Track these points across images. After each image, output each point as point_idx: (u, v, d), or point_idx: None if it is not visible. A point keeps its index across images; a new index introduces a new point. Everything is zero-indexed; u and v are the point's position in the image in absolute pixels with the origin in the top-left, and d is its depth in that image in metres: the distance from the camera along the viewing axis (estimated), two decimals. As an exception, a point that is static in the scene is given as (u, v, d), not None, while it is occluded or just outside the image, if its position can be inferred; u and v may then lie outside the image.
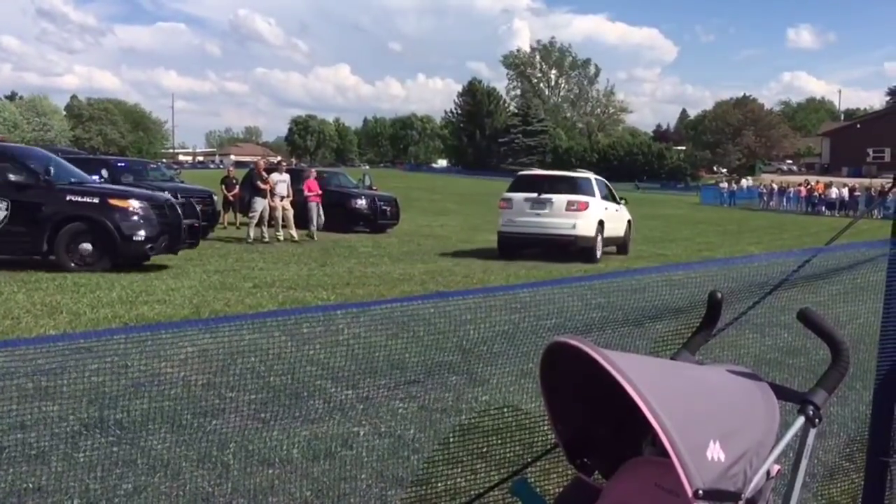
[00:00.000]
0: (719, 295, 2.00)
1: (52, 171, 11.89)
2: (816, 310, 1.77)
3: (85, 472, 3.25)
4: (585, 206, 15.65)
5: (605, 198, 16.82)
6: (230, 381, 3.58)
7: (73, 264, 11.10)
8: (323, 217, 19.36)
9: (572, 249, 15.46)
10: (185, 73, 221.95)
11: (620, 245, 17.88)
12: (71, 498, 3.06)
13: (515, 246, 15.97)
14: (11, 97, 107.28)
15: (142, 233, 11.45)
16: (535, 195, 15.86)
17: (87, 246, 11.29)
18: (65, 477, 3.14)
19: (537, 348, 1.75)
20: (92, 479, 3.17)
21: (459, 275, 12.23)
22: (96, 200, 11.48)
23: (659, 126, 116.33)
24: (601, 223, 15.95)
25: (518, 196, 16.07)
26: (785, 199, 48.85)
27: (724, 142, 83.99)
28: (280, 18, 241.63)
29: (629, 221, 18.42)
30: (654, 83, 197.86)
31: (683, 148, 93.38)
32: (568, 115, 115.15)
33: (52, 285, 9.54)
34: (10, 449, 3.12)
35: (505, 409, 3.19)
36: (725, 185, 56.46)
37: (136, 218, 11.54)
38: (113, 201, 11.57)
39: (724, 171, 77.50)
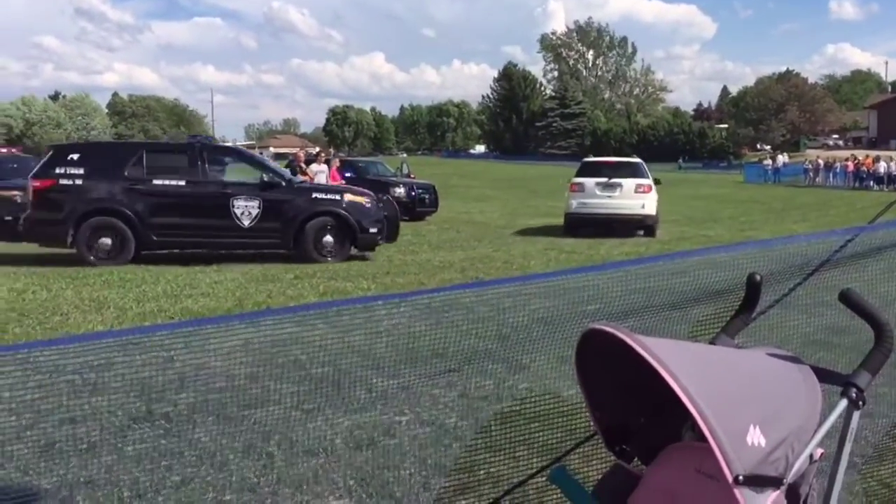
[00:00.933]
0: (758, 277, 1.97)
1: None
2: (858, 290, 1.73)
3: (133, 464, 3.32)
4: (650, 188, 17.43)
5: None
6: (273, 372, 3.62)
7: (318, 256, 12.11)
8: None
9: (640, 227, 17.29)
10: (222, 68, 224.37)
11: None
12: (120, 490, 3.12)
13: (583, 226, 17.35)
14: (55, 97, 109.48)
15: (375, 225, 12.55)
16: (605, 179, 17.52)
17: (330, 239, 12.30)
18: (114, 469, 3.21)
19: (576, 334, 1.74)
20: (140, 471, 3.24)
21: (499, 261, 12.21)
22: (337, 197, 12.55)
23: (700, 104, 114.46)
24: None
25: (590, 181, 17.57)
26: (831, 175, 47.76)
27: (767, 118, 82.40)
28: (313, 9, 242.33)
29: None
30: (692, 60, 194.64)
31: (725, 126, 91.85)
32: (606, 96, 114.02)
33: (98, 281, 9.74)
34: (62, 443, 3.20)
35: (546, 396, 3.18)
36: (769, 161, 55.40)
37: (369, 212, 12.62)
38: (351, 197, 12.63)
39: (768, 147, 76.09)
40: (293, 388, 3.69)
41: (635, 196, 17.26)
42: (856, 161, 46.61)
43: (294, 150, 26.72)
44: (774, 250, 3.36)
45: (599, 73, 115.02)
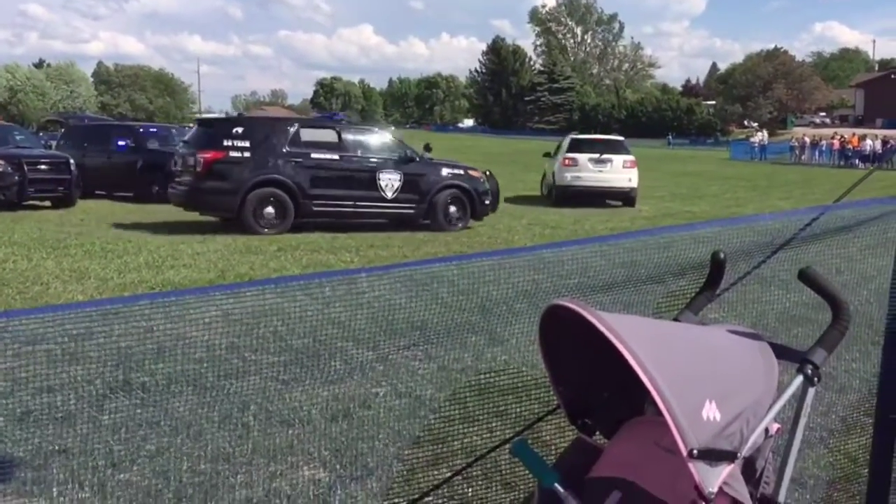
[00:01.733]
0: (722, 255, 1.98)
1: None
2: (816, 269, 1.74)
3: (110, 433, 3.32)
4: (634, 164, 19.19)
5: None
6: (253, 343, 3.62)
7: (446, 225, 13.26)
8: None
9: (625, 199, 18.98)
10: (208, 38, 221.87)
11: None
12: (95, 459, 3.12)
13: (574, 197, 18.74)
14: (39, 64, 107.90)
15: (488, 196, 13.96)
16: (597, 155, 19.21)
17: (454, 209, 13.48)
18: (90, 439, 3.20)
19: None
20: (116, 440, 3.24)
21: (485, 235, 12.22)
22: (461, 172, 13.87)
23: (688, 81, 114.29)
24: None
25: (583, 156, 19.16)
26: (817, 153, 47.94)
27: (754, 95, 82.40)
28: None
29: None
30: (681, 37, 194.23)
31: (713, 103, 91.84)
32: (595, 71, 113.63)
33: (80, 251, 9.67)
34: (38, 412, 3.19)
35: (523, 368, 3.20)
36: (758, 136, 55.46)
37: (483, 185, 13.93)
38: (472, 173, 14.01)
39: (755, 125, 76.16)
40: (272, 358, 3.69)
41: (623, 171, 18.98)
42: (841, 139, 46.79)
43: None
44: (758, 226, 3.37)
45: (588, 48, 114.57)
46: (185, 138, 13.90)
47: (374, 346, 3.87)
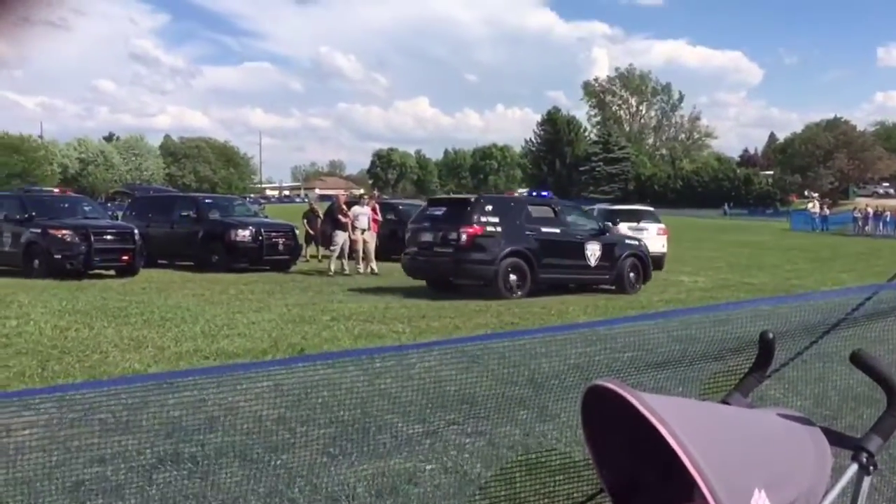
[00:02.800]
0: (771, 335, 1.92)
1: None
2: (869, 352, 1.68)
3: (157, 506, 3.32)
4: (666, 231, 21.21)
5: None
6: (302, 415, 3.61)
7: (629, 288, 14.90)
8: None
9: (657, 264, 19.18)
10: (270, 111, 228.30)
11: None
12: (141, 532, 3.11)
13: None
14: (109, 138, 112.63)
15: (651, 263, 16.02)
16: (636, 223, 20.74)
17: (632, 274, 15.26)
18: (137, 511, 3.21)
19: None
20: (162, 513, 3.24)
21: (537, 306, 12.12)
22: (636, 242, 16.04)
23: (746, 150, 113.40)
24: None
25: (623, 225, 20.20)
26: (881, 224, 46.78)
27: (814, 165, 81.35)
28: (359, 54, 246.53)
29: None
30: (738, 107, 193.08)
31: (771, 172, 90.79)
32: (650, 141, 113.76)
33: (139, 320, 9.89)
34: (89, 482, 3.22)
35: (574, 446, 3.12)
36: (814, 206, 54.47)
37: (648, 253, 15.97)
38: (644, 243, 16.30)
39: (816, 195, 75.00)
40: (320, 431, 3.68)
41: (657, 237, 20.40)
42: (906, 210, 45.66)
43: (336, 192, 27.04)
44: (816, 304, 3.29)
45: (643, 118, 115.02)
46: (423, 215, 15.23)
47: (423, 419, 3.83)
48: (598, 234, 14.96)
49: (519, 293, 13.38)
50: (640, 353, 4.05)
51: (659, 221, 21.55)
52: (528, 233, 13.99)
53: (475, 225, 13.53)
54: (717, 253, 25.68)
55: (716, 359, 3.32)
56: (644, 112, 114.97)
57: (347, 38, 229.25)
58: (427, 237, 14.04)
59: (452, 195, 17.17)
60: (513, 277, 13.57)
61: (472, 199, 14.79)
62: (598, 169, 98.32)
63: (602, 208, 22.31)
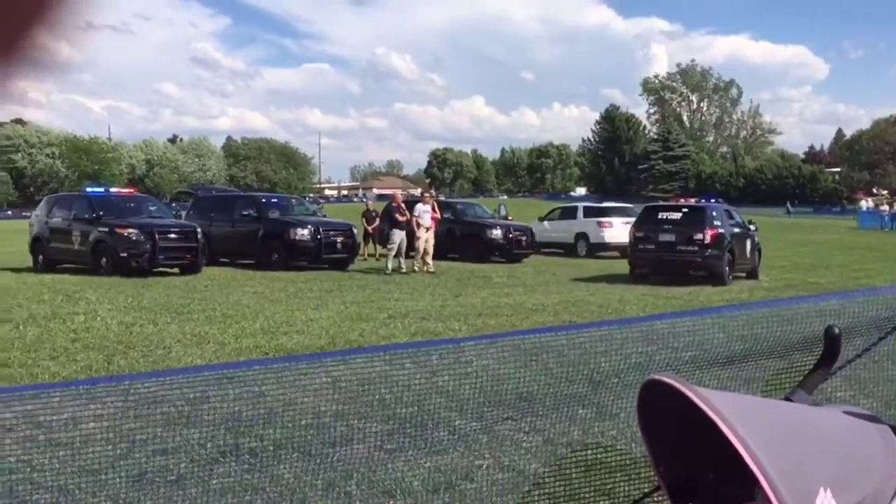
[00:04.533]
0: (836, 330, 1.85)
1: None
2: None
3: (217, 497, 3.37)
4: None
5: None
6: (359, 410, 3.63)
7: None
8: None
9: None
10: (328, 112, 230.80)
11: None
12: (202, 523, 3.16)
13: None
14: (173, 140, 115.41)
15: None
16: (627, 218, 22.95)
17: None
18: (198, 502, 3.26)
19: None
20: (223, 504, 3.28)
21: (594, 304, 12.00)
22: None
23: (811, 147, 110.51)
24: None
25: (616, 219, 23.89)
26: (955, 222, 45.07)
27: (883, 162, 78.81)
28: (415, 54, 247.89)
29: None
30: (802, 103, 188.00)
31: (838, 170, 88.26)
32: (711, 138, 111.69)
33: (202, 317, 10.09)
34: (152, 473, 3.29)
35: (633, 445, 3.07)
36: (886, 207, 52.75)
37: None
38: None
39: (885, 192, 72.52)
40: (378, 427, 3.69)
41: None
42: (983, 207, 43.87)
43: (393, 192, 27.28)
44: (887, 298, 3.17)
45: (704, 115, 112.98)
46: (652, 218, 17.53)
47: (480, 416, 3.81)
48: (748, 231, 17.85)
49: (731, 280, 16.24)
50: (701, 352, 3.97)
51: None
52: (731, 232, 16.82)
53: (713, 227, 16.37)
54: (781, 252, 25.05)
55: (780, 356, 3.24)
56: (705, 109, 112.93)
57: (403, 39, 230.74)
58: (668, 237, 16.64)
59: (679, 203, 19.50)
60: (727, 269, 16.22)
61: (704, 207, 17.59)
62: (657, 167, 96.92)
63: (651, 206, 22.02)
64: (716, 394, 1.41)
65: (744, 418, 1.37)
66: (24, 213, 53.74)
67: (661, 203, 19.40)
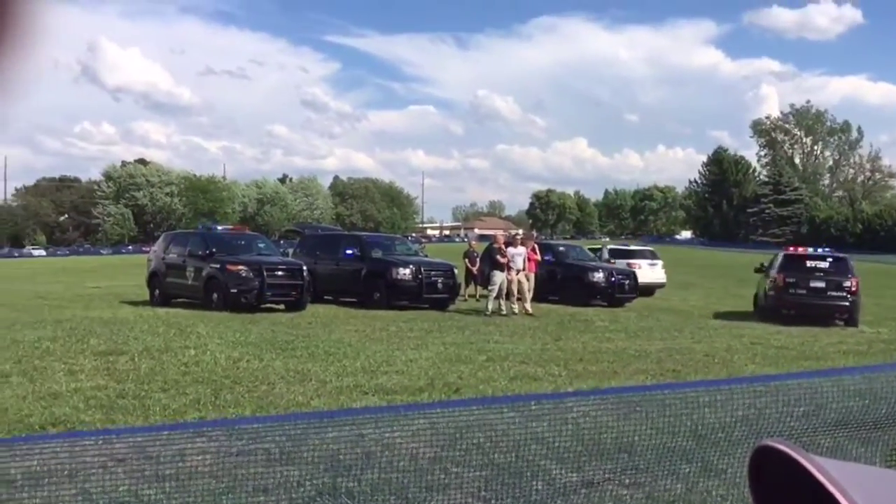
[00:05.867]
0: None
1: None
2: None
3: (313, 538, 3.40)
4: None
5: None
6: (456, 455, 3.61)
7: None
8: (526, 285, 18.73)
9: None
10: (431, 152, 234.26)
11: None
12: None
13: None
14: (283, 179, 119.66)
15: None
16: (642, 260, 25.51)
17: None
18: (296, 541, 3.30)
19: (784, 438, 1.57)
20: (319, 545, 3.30)
21: (700, 353, 11.60)
22: None
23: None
24: None
25: (624, 261, 24.50)
26: None
27: None
28: (517, 96, 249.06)
29: None
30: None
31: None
32: (825, 182, 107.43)
33: (305, 353, 10.31)
34: (253, 509, 3.35)
35: (741, 506, 2.92)
36: None
37: None
38: None
39: None
40: (474, 473, 3.65)
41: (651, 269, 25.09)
42: None
43: (495, 233, 27.29)
44: None
45: (818, 158, 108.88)
46: (793, 265, 18.34)
47: (579, 467, 3.71)
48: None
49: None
50: (814, 407, 3.77)
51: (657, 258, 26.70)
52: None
53: (855, 276, 17.72)
54: (901, 302, 23.68)
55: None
56: (819, 151, 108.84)
57: (505, 81, 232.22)
58: (818, 284, 17.57)
59: (820, 252, 19.93)
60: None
61: (845, 258, 18.89)
62: (767, 211, 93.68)
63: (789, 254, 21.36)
64: (836, 463, 1.33)
65: (867, 493, 1.28)
66: (143, 249, 56.70)
67: (801, 251, 19.26)
